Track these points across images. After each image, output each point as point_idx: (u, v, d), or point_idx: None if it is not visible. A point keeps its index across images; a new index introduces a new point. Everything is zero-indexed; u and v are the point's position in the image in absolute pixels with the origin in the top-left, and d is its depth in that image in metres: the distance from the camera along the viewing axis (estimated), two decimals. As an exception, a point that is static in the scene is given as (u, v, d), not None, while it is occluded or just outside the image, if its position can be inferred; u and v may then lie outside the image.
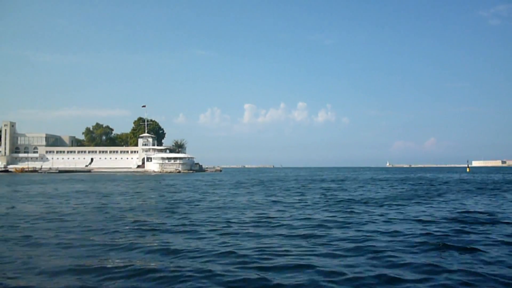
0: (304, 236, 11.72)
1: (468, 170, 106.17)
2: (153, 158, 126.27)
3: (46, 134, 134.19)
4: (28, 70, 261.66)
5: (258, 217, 16.18)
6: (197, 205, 21.28)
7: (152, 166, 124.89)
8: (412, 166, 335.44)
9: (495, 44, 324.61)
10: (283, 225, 13.96)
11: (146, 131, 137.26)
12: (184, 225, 14.01)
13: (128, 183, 49.54)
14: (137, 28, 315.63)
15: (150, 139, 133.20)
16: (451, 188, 36.25)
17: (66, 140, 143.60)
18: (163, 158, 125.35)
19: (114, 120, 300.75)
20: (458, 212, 17.11)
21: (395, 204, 21.09)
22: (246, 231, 12.68)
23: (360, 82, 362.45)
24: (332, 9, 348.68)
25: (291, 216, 16.46)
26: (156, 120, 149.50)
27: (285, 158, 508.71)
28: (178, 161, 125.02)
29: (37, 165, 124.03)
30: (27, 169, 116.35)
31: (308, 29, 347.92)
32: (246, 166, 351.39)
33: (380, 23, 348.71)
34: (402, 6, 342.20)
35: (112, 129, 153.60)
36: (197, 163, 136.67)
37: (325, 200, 24.08)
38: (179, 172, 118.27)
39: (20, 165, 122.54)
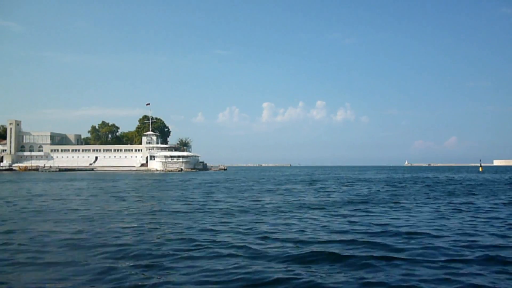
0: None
1: (480, 169, 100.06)
2: (157, 156, 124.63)
3: (51, 133, 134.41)
4: (46, 70, 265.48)
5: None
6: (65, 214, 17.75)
7: (155, 165, 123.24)
8: (432, 165, 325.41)
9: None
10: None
11: (150, 129, 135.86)
12: None
13: (92, 182, 47.16)
14: (157, 29, 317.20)
15: (154, 137, 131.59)
16: (421, 191, 32.16)
17: (72, 138, 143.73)
18: (166, 157, 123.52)
19: (131, 119, 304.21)
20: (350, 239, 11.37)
21: (307, 214, 17.37)
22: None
23: (380, 81, 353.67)
24: (351, 8, 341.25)
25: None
26: (161, 118, 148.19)
27: (303, 157, 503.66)
28: (181, 160, 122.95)
29: (41, 163, 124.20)
30: (30, 168, 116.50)
31: (328, 28, 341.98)
32: (263, 165, 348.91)
33: (400, 21, 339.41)
34: (423, 4, 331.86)
35: (118, 128, 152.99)
36: (201, 162, 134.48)
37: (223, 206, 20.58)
38: (181, 170, 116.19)
39: (24, 164, 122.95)
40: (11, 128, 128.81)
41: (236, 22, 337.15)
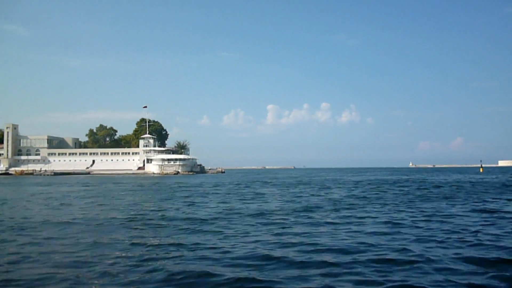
0: None
1: (481, 170, 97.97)
2: (153, 159, 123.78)
3: (48, 136, 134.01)
4: (47, 73, 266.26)
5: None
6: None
7: (152, 168, 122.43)
8: (436, 166, 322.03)
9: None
10: None
11: (147, 132, 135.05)
12: None
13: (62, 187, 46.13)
14: (160, 31, 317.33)
15: (151, 140, 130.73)
16: (398, 195, 30.60)
17: (70, 142, 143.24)
18: (163, 160, 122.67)
19: (134, 122, 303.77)
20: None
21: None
22: None
23: (385, 83, 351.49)
24: (355, 9, 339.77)
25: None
26: (158, 121, 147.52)
27: (308, 159, 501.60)
28: (178, 163, 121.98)
29: (38, 167, 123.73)
30: (26, 172, 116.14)
31: (332, 30, 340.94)
32: (267, 167, 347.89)
33: (404, 22, 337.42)
34: (428, 5, 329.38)
35: (116, 131, 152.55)
36: (199, 165, 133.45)
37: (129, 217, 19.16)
38: (178, 173, 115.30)
39: (21, 168, 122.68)
40: (8, 132, 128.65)
41: (240, 24, 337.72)
